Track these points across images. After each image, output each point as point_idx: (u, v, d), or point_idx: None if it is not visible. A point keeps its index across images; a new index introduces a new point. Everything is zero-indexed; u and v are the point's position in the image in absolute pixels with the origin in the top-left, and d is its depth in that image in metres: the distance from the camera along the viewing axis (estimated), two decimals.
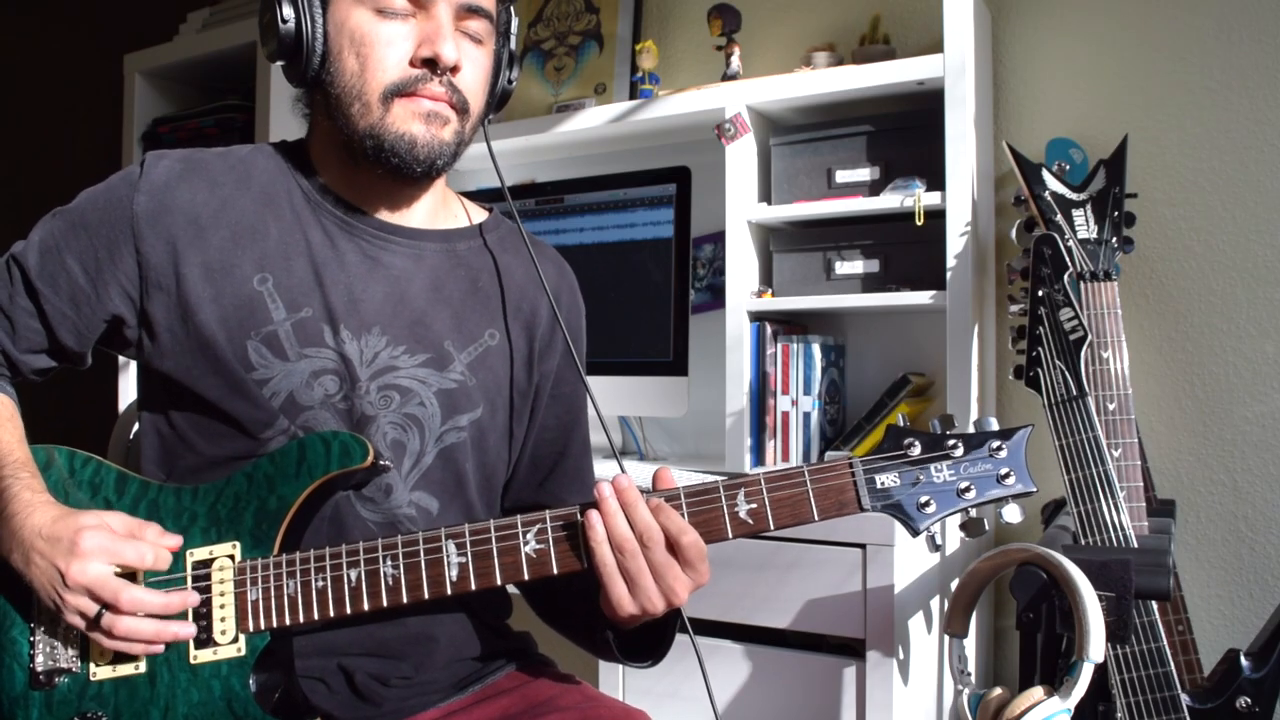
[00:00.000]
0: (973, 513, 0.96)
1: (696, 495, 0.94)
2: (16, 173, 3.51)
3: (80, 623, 0.93)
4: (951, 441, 0.94)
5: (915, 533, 0.94)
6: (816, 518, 0.93)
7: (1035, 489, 0.94)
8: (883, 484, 0.94)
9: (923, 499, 0.93)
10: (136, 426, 1.22)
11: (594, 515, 0.93)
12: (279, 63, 1.06)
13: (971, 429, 0.96)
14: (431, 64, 1.01)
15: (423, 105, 1.02)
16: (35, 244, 1.05)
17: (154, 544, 0.94)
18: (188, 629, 0.94)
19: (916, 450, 0.94)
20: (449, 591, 0.95)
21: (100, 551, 0.91)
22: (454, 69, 1.02)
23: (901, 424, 0.96)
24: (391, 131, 1.01)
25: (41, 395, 1.12)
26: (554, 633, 1.18)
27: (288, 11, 1.02)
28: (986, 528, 0.98)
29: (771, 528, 0.94)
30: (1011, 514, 0.95)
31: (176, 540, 0.96)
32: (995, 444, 0.94)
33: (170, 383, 1.04)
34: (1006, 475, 0.94)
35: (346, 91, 1.02)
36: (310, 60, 1.03)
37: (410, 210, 1.11)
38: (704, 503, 0.94)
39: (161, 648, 0.94)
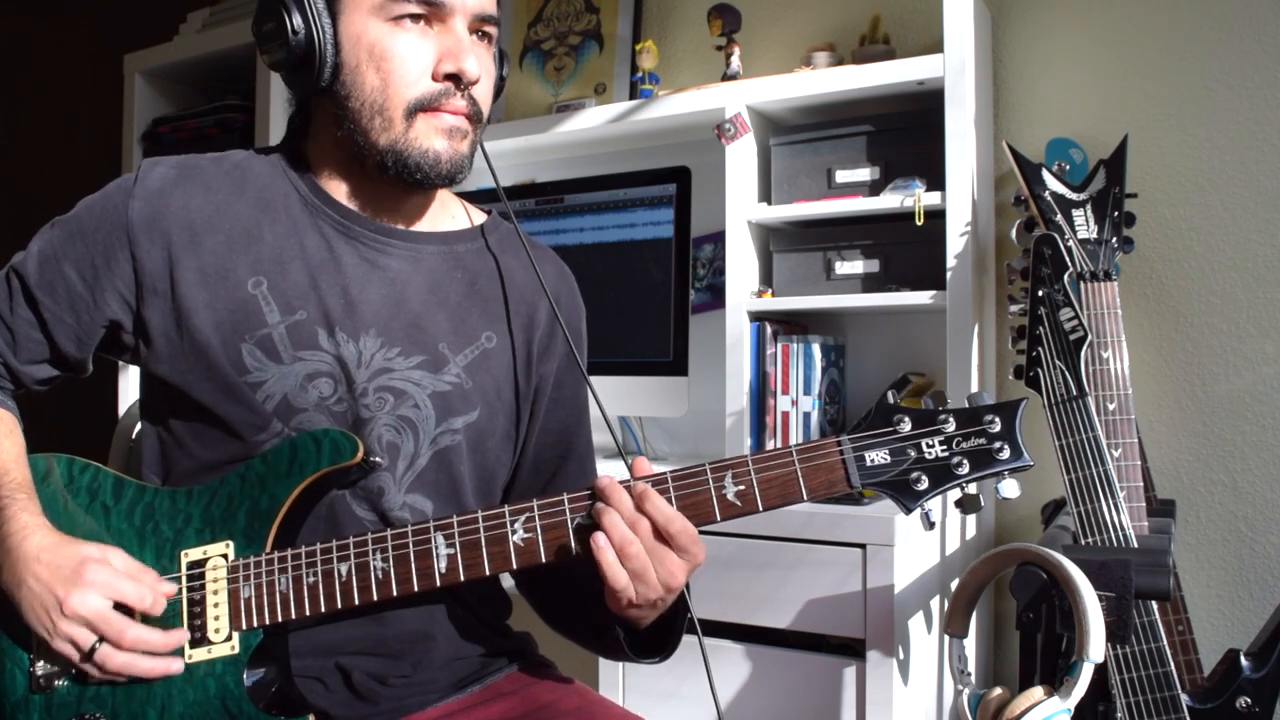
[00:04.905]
0: (969, 488, 0.94)
1: (683, 478, 0.93)
2: (16, 173, 3.51)
3: (70, 652, 0.93)
4: (943, 417, 0.92)
5: (908, 511, 0.92)
6: (805, 498, 0.92)
7: (1032, 463, 0.91)
8: (872, 462, 0.92)
9: (915, 476, 0.91)
10: (138, 429, 1.22)
11: (601, 538, 0.91)
12: (281, 72, 1.05)
13: (966, 403, 0.93)
14: (454, 78, 1.00)
15: (445, 120, 1.02)
16: (34, 254, 1.06)
17: (153, 588, 0.95)
18: (176, 665, 0.95)
19: (907, 426, 0.92)
20: (438, 583, 0.95)
21: (101, 585, 0.92)
22: (475, 81, 1.02)
23: (891, 400, 0.94)
24: (416, 148, 1.01)
25: (42, 400, 1.12)
26: (554, 633, 1.18)
27: (298, 22, 1.00)
28: (983, 504, 0.97)
29: (760, 509, 0.92)
30: (1009, 489, 0.92)
31: (172, 588, 0.97)
32: (989, 417, 0.91)
33: (167, 387, 1.04)
34: (1001, 449, 0.91)
35: (367, 106, 1.01)
36: (322, 72, 1.01)
37: (410, 215, 1.11)
38: (691, 486, 0.93)
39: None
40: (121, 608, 0.93)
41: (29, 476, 1.01)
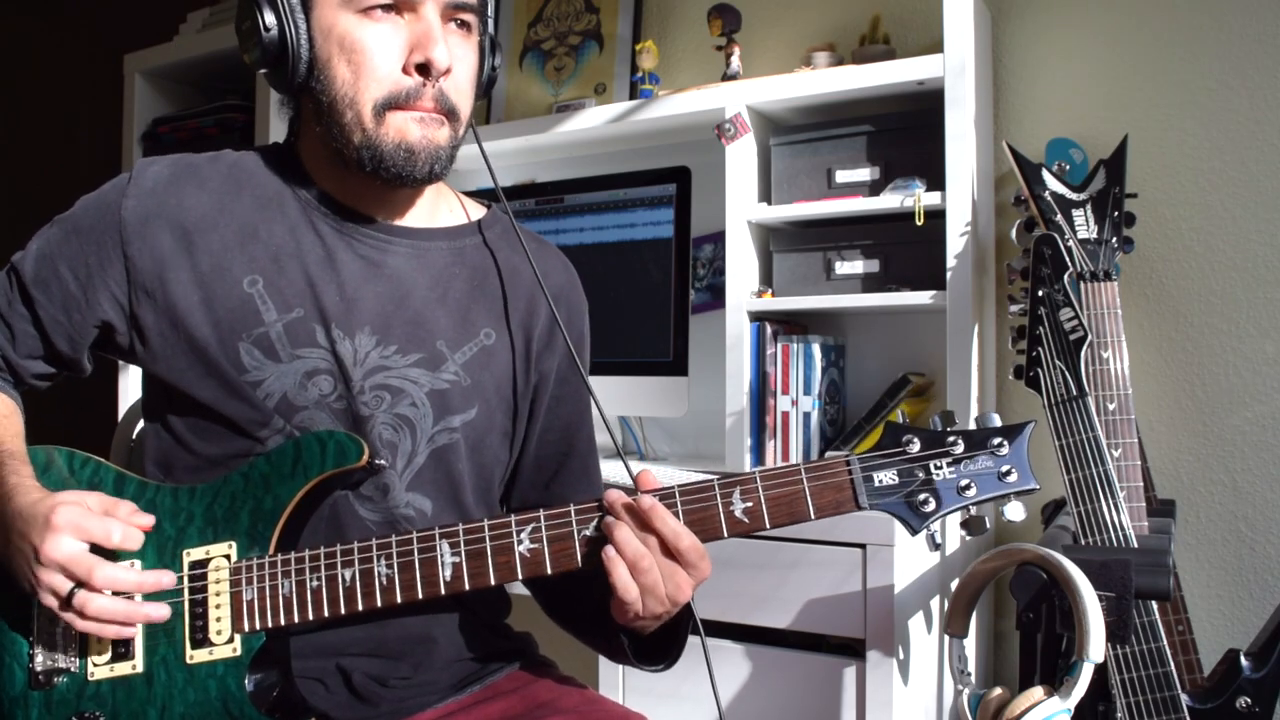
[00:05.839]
0: (974, 510, 0.94)
1: (691, 494, 0.93)
2: (16, 173, 3.51)
3: (53, 602, 0.91)
4: (952, 438, 0.93)
5: (914, 532, 0.92)
6: (813, 516, 0.93)
7: (1038, 486, 0.92)
8: (881, 482, 0.93)
9: (922, 497, 0.92)
10: (138, 430, 1.22)
11: (612, 550, 0.92)
12: (262, 70, 1.04)
13: (973, 425, 0.94)
14: (424, 68, 0.99)
15: (416, 115, 1.00)
16: (33, 252, 1.06)
17: (125, 520, 0.94)
18: (160, 610, 0.93)
19: (916, 447, 0.93)
20: (443, 591, 0.95)
21: (71, 527, 0.90)
22: (445, 71, 1.01)
23: (901, 422, 0.95)
24: (389, 144, 1.00)
25: (44, 397, 1.12)
26: (555, 633, 1.18)
27: (270, 19, 0.99)
28: (988, 525, 0.97)
29: (768, 527, 0.93)
30: (1014, 512, 0.94)
31: (148, 519, 0.95)
32: (997, 440, 0.92)
33: (166, 386, 1.04)
34: (1008, 472, 0.92)
35: (339, 100, 1.00)
36: (297, 68, 1.01)
37: (408, 211, 1.11)
38: (699, 502, 0.93)
39: (135, 630, 0.94)
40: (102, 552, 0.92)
41: (24, 450, 1.01)
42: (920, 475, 0.92)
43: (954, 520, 0.97)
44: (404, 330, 1.06)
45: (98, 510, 0.93)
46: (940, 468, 0.92)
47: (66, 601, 0.91)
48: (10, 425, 1.04)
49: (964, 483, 0.92)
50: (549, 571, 0.94)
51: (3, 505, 0.94)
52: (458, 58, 1.03)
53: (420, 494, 1.06)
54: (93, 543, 0.92)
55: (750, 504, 0.93)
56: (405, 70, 1.00)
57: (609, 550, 0.92)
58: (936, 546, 0.96)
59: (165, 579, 0.94)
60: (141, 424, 1.12)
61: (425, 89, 1.00)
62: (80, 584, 0.90)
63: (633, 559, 0.91)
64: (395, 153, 1.00)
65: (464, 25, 1.04)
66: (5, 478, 0.96)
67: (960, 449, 0.93)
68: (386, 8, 0.99)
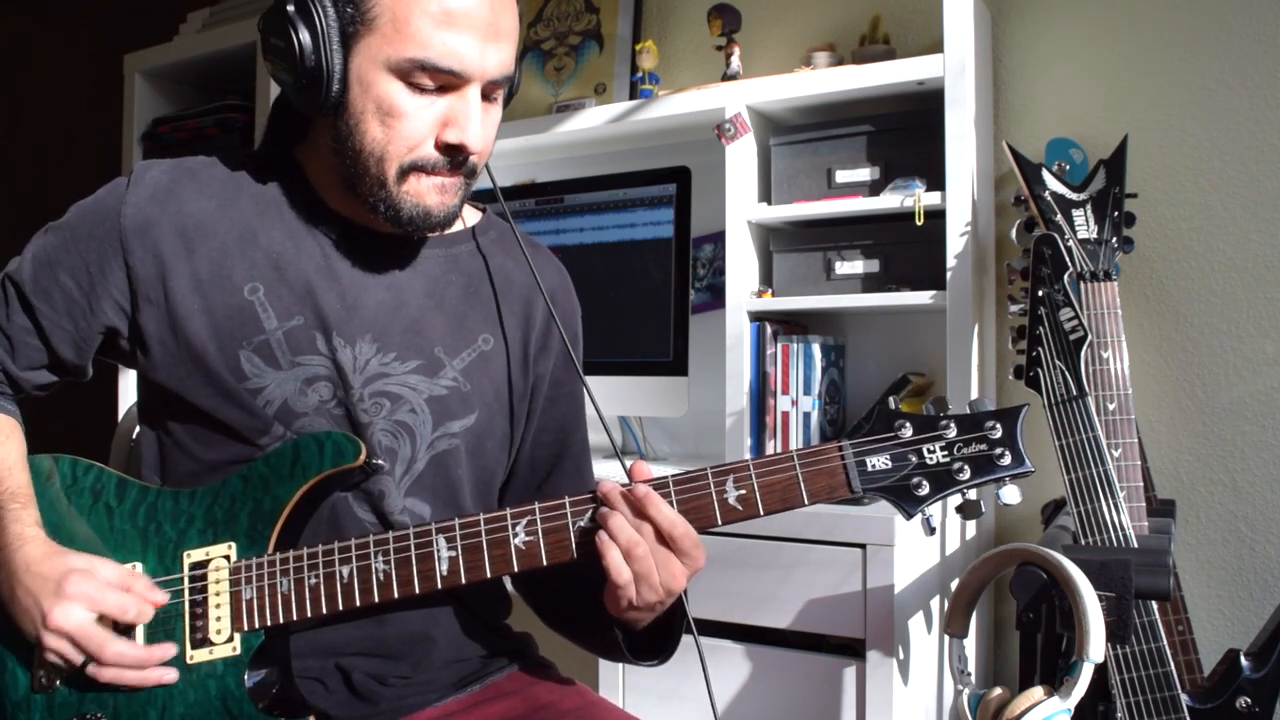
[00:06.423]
0: (969, 494, 0.94)
1: (685, 483, 0.94)
2: (16, 173, 3.51)
3: (59, 664, 0.94)
4: (944, 422, 0.93)
5: (909, 516, 0.92)
6: (806, 502, 0.93)
7: (1033, 468, 0.92)
8: (874, 467, 0.93)
9: (915, 481, 0.92)
10: (137, 430, 1.22)
11: (605, 535, 0.92)
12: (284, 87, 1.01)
13: (967, 410, 0.94)
14: (455, 147, 0.98)
15: (438, 181, 1.00)
16: (29, 260, 1.05)
17: (140, 596, 0.94)
18: (169, 676, 0.94)
19: (908, 432, 0.93)
20: (439, 585, 0.95)
21: (83, 598, 0.91)
22: (475, 153, 1.00)
23: (892, 405, 0.95)
24: (408, 202, 0.99)
25: (42, 402, 1.13)
26: (554, 634, 1.18)
27: (307, 44, 0.95)
28: (984, 510, 0.97)
29: (761, 513, 0.93)
30: (1010, 495, 0.93)
31: (164, 596, 0.96)
32: (990, 423, 0.92)
33: (165, 393, 1.04)
34: (1002, 455, 0.92)
35: (365, 154, 0.98)
36: (326, 101, 0.97)
37: None
38: (693, 490, 0.94)
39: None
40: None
41: (28, 481, 1.01)
42: (913, 459, 0.93)
43: (953, 512, 0.96)
44: (402, 337, 1.06)
45: (113, 582, 0.94)
46: (933, 451, 0.92)
47: (78, 667, 0.93)
48: (11, 451, 1.03)
49: (958, 466, 0.92)
50: (544, 563, 0.94)
51: (9, 554, 0.95)
52: (488, 123, 1.02)
53: (419, 499, 1.06)
54: (103, 614, 0.93)
55: (744, 491, 0.93)
56: (436, 145, 0.98)
57: (602, 535, 0.92)
58: (932, 531, 0.96)
59: (169, 651, 0.95)
60: (138, 427, 1.12)
61: (451, 163, 0.99)
62: (90, 657, 0.92)
63: (627, 546, 0.91)
64: (412, 212, 1.00)
65: (497, 96, 1.02)
66: (8, 525, 0.96)
67: (953, 433, 0.92)
68: (431, 86, 0.96)
